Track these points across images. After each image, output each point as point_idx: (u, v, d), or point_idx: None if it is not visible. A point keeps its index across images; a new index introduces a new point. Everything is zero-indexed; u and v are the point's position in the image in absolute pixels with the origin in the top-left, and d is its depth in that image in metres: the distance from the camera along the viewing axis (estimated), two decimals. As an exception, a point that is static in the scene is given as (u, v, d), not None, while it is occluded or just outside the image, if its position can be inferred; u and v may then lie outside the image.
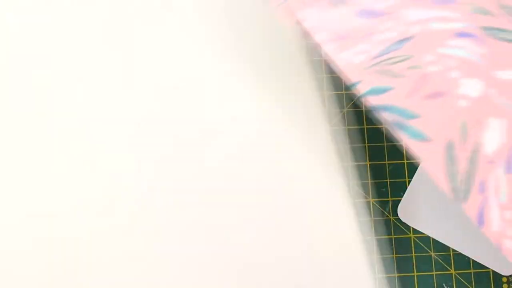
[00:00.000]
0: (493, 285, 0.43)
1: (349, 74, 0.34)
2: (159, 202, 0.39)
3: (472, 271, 0.43)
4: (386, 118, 0.34)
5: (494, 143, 0.33)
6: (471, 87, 0.33)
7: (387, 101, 0.33)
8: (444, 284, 0.43)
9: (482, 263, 0.42)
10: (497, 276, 0.43)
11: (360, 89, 0.34)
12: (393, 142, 0.42)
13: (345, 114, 0.43)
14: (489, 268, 0.43)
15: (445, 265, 0.43)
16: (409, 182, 0.43)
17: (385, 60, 0.34)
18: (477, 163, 0.33)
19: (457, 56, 0.33)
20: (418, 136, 0.33)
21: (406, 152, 0.43)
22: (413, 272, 0.43)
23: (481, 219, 0.33)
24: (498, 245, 0.34)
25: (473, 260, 0.43)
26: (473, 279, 0.43)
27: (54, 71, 0.40)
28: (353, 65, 0.34)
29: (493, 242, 0.33)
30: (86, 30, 0.41)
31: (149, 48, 0.40)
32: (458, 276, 0.43)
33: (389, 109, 0.33)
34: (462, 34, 0.33)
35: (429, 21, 0.33)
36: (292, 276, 0.39)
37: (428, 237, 0.43)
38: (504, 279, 0.43)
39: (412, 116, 0.33)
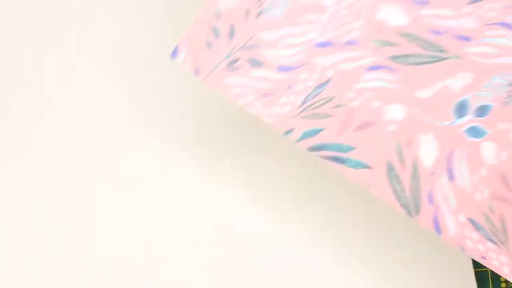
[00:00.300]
0: (492, 285, 0.44)
1: (281, 125, 0.36)
2: None
3: (470, 270, 0.44)
4: (325, 156, 0.35)
5: (430, 156, 0.35)
6: (395, 112, 0.36)
7: (322, 140, 0.35)
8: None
9: (481, 262, 0.42)
10: (495, 275, 0.44)
11: (294, 136, 0.36)
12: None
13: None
14: (487, 268, 0.43)
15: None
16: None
17: (310, 105, 0.36)
18: (419, 178, 0.35)
19: (374, 88, 0.36)
20: (358, 165, 0.35)
21: None
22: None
23: (437, 227, 0.35)
24: (461, 247, 0.34)
25: (471, 259, 0.43)
26: (471, 278, 0.43)
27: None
28: (282, 117, 0.36)
29: (455, 245, 0.34)
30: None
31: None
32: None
33: (326, 147, 0.35)
34: (373, 68, 0.36)
35: (340, 64, 0.36)
36: None
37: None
38: (503, 279, 0.44)
39: (348, 149, 0.35)
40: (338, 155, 0.35)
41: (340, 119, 0.36)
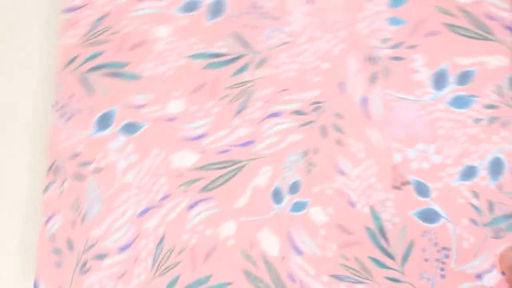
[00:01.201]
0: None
1: (144, 293, 0.40)
2: None
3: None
4: None
5: (274, 245, 0.39)
6: (227, 228, 0.40)
7: (183, 285, 0.39)
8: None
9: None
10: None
11: None
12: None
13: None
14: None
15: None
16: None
17: (160, 263, 0.40)
18: (274, 266, 0.39)
19: (201, 220, 0.40)
20: (222, 287, 0.39)
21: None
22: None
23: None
24: None
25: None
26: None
27: None
28: (143, 285, 0.40)
29: None
30: None
31: None
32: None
33: (188, 288, 0.39)
34: (192, 206, 0.41)
35: (165, 218, 0.41)
36: None
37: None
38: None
39: (207, 279, 0.39)
40: None
41: (189, 259, 0.40)
